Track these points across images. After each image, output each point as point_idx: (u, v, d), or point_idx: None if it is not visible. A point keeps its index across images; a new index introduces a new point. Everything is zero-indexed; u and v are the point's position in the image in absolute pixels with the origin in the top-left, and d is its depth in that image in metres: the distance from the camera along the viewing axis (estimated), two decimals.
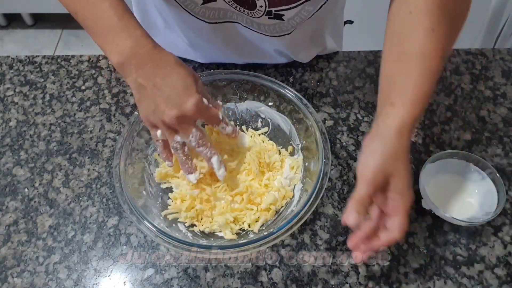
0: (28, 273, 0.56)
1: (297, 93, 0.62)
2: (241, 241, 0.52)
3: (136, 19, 0.51)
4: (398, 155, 0.46)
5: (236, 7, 0.60)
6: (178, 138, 0.51)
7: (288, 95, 0.62)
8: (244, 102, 0.66)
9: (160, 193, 0.60)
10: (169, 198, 0.60)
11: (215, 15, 0.63)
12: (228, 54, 0.74)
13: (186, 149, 0.53)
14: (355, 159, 0.66)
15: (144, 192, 0.58)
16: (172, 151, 0.54)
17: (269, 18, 0.60)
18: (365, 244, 0.48)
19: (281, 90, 0.62)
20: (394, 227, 0.46)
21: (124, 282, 0.55)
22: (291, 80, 0.75)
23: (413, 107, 0.47)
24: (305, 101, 0.61)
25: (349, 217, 0.46)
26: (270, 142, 0.65)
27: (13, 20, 2.09)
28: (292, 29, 0.64)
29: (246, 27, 0.65)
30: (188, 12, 0.62)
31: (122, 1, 0.50)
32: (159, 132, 0.53)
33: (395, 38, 0.51)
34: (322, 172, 0.54)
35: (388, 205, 0.47)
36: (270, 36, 0.66)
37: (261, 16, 0.60)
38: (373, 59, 0.79)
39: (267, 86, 0.63)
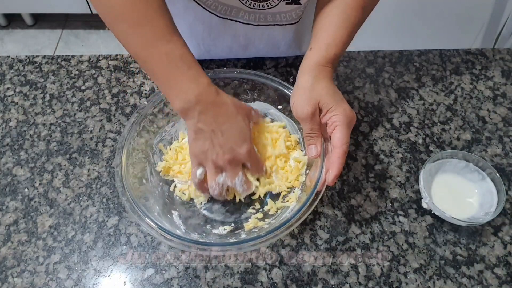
0: (28, 273, 0.56)
1: None
2: (236, 240, 0.53)
3: (202, 68, 0.53)
4: (316, 86, 0.53)
5: (250, 4, 0.60)
6: (221, 179, 0.54)
7: (290, 94, 0.62)
8: (253, 102, 0.66)
9: (161, 183, 0.61)
10: (172, 185, 0.61)
11: (226, 11, 0.63)
12: (235, 49, 0.74)
13: (223, 189, 0.55)
14: (355, 159, 0.66)
15: (145, 183, 0.58)
16: (210, 189, 0.55)
17: (286, 3, 0.61)
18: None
19: (283, 90, 0.62)
20: (335, 142, 0.52)
21: (124, 282, 0.55)
22: (291, 80, 0.75)
23: (327, 51, 0.55)
24: None
25: (309, 152, 0.56)
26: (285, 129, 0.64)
27: (13, 20, 2.09)
28: (306, 13, 0.65)
29: (259, 25, 0.66)
30: (199, 4, 0.62)
31: (190, 52, 0.53)
32: (199, 171, 0.55)
33: None
34: (320, 178, 0.54)
35: (328, 124, 0.54)
36: (284, 25, 0.67)
37: (277, 4, 0.61)
38: (373, 59, 0.79)
39: (268, 85, 0.63)
